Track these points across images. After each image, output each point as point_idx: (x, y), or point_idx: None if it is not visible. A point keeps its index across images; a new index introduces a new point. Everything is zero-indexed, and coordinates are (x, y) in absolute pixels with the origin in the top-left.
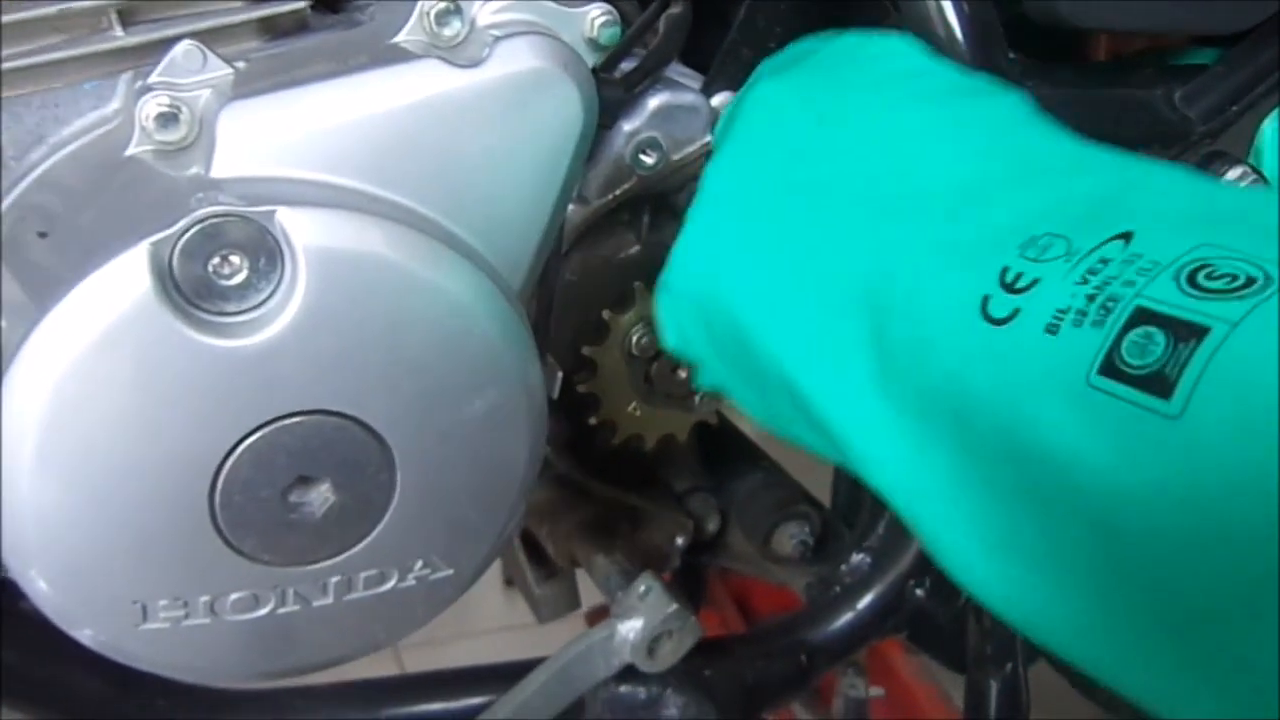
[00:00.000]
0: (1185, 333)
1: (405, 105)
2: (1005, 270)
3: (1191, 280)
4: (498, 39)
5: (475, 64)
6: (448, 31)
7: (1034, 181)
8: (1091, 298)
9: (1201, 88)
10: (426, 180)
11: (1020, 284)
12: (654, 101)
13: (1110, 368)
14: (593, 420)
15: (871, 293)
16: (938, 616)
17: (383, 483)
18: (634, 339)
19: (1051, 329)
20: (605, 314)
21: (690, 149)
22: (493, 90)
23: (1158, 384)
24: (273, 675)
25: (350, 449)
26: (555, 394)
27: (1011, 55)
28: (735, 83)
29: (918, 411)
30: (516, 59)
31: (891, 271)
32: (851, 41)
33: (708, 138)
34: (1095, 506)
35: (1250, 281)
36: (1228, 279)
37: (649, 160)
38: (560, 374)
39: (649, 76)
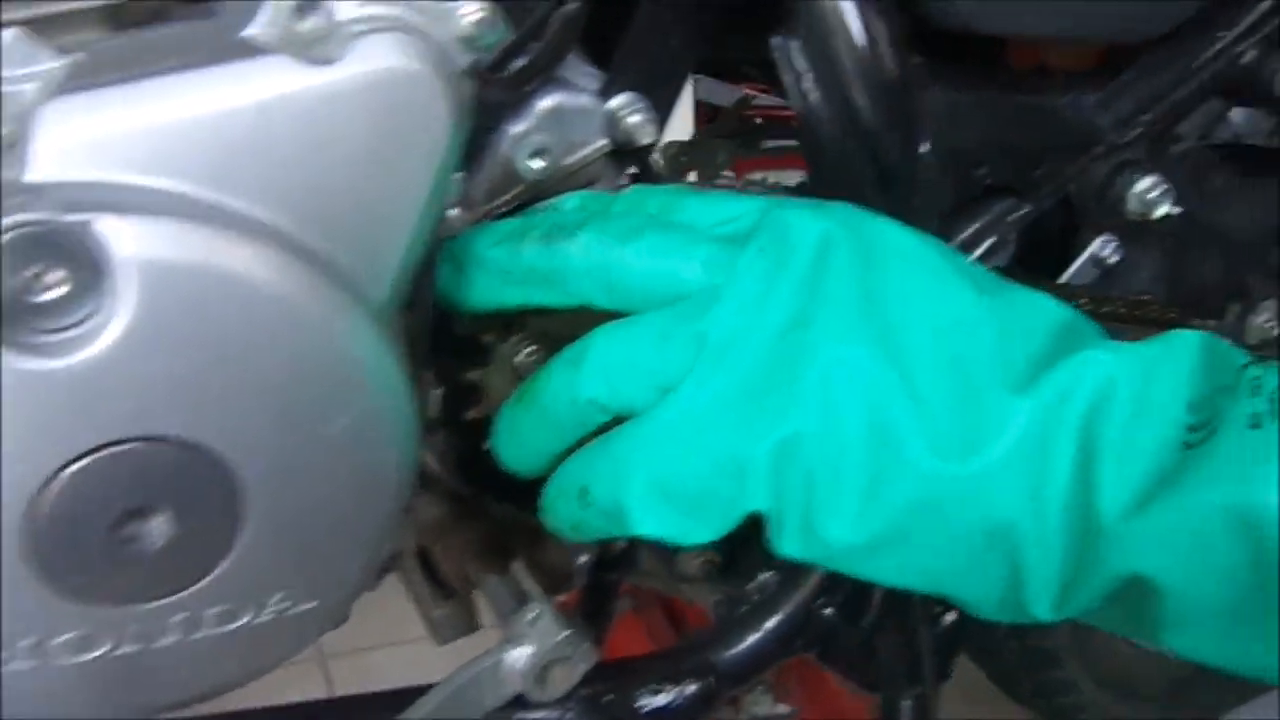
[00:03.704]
0: None
1: (248, 105)
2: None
3: None
4: (358, 35)
5: (330, 62)
6: (304, 26)
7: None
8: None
9: (1113, 95)
10: (273, 186)
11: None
12: (543, 103)
13: None
14: (483, 445)
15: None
16: (847, 636)
17: (228, 513)
18: (519, 360)
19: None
20: (488, 337)
21: (583, 153)
22: (347, 90)
23: None
24: (122, 716)
25: (190, 477)
26: (434, 412)
27: (917, 59)
28: (636, 83)
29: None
30: (375, 57)
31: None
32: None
33: (602, 141)
34: None
35: None
36: None
37: (538, 165)
38: (439, 391)
39: (538, 76)
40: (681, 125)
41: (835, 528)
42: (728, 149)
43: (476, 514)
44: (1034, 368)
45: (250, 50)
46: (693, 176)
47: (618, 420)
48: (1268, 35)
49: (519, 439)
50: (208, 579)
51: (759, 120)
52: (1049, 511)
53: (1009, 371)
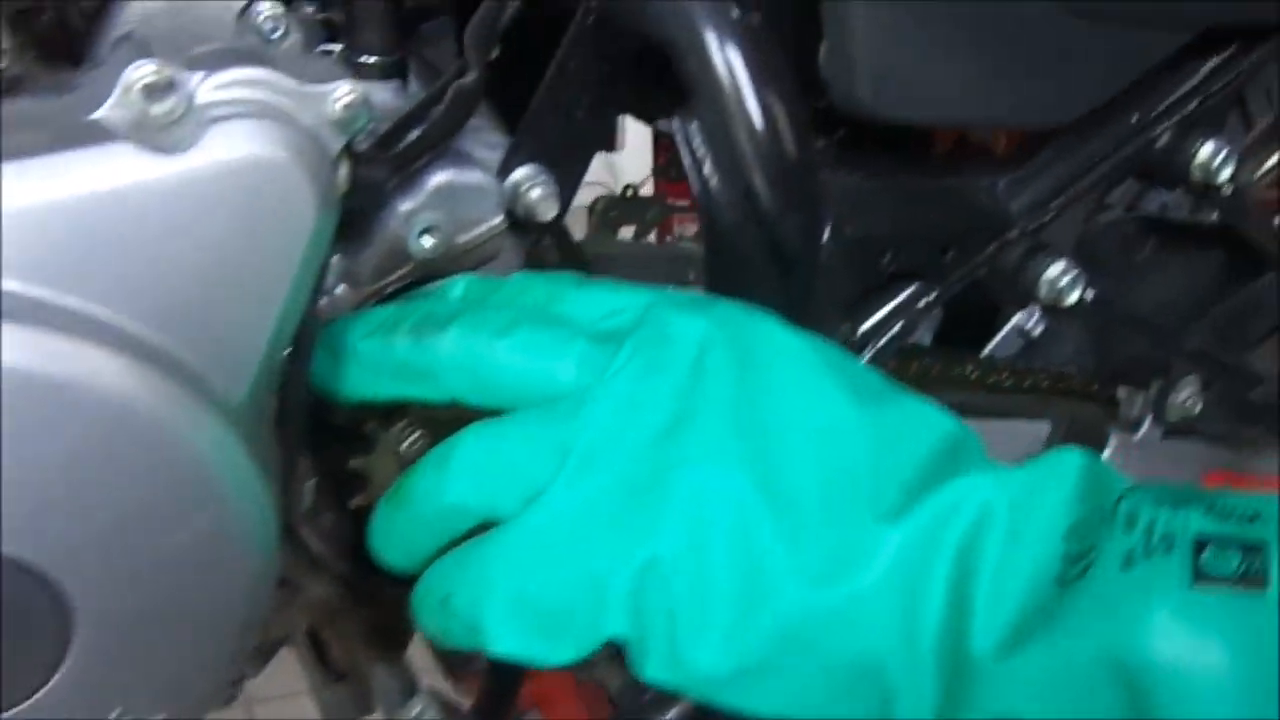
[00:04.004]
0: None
1: (87, 195)
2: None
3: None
4: (214, 121)
5: (180, 150)
6: (158, 109)
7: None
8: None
9: (1026, 178)
10: (113, 283)
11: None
12: (435, 180)
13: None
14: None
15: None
16: None
17: (55, 630)
18: (403, 448)
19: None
20: (370, 425)
21: (477, 231)
22: (197, 180)
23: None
24: None
25: (13, 594)
26: (306, 505)
27: (823, 142)
28: (538, 155)
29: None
30: (230, 145)
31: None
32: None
33: (497, 219)
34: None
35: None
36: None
37: (428, 244)
38: (311, 482)
39: (429, 151)
40: (640, 158)
41: (700, 657)
42: (659, 205)
43: (368, 598)
44: (910, 491)
45: (95, 135)
46: (626, 232)
47: (491, 524)
48: (1184, 118)
49: (392, 538)
50: (32, 700)
51: None
52: (920, 647)
53: (883, 495)
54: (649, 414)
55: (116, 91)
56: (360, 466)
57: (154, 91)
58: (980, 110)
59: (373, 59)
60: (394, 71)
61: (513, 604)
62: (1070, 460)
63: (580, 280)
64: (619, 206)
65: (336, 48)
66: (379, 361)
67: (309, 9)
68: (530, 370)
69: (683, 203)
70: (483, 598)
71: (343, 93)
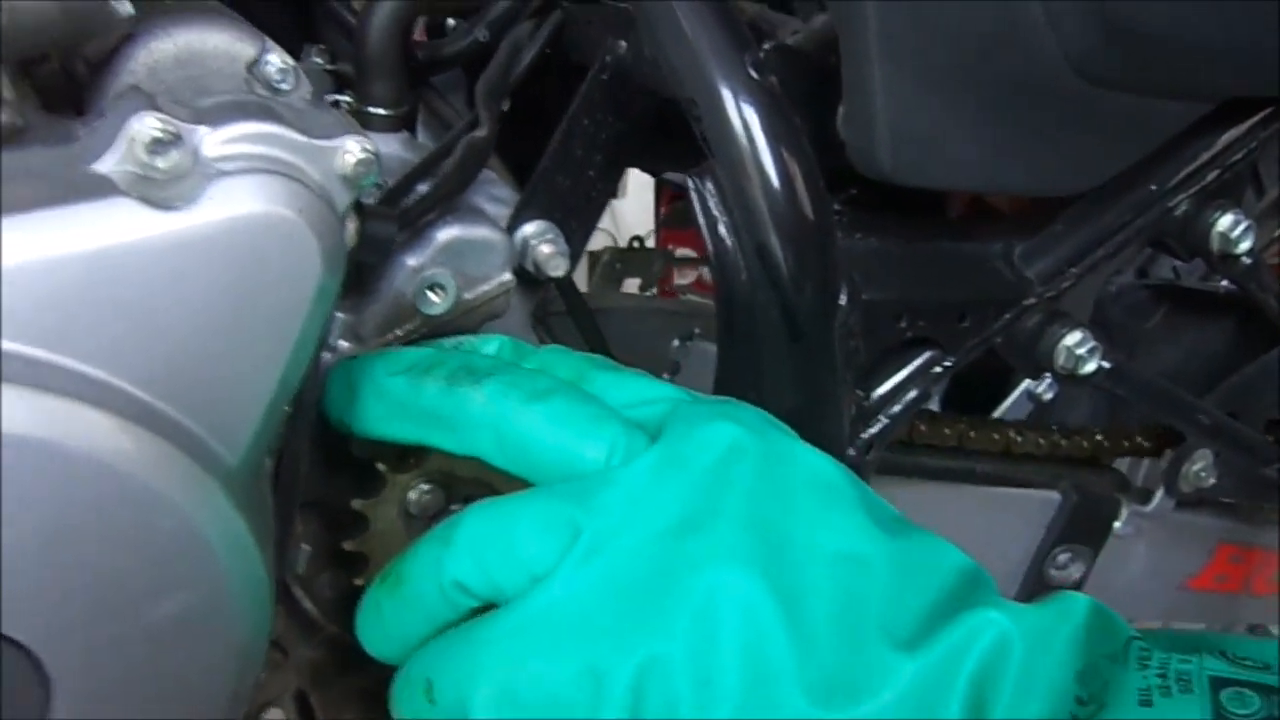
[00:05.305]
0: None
1: (83, 252)
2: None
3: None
4: (219, 176)
5: (182, 206)
6: (161, 162)
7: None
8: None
9: (1041, 247)
10: (108, 342)
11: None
12: (443, 236)
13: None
14: (359, 581)
15: None
16: None
17: (33, 702)
18: (412, 497)
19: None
20: (382, 467)
21: (485, 287)
22: (202, 238)
23: None
24: None
25: None
26: (301, 568)
27: (837, 206)
28: (548, 211)
29: None
30: (235, 201)
31: None
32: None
33: (505, 275)
34: None
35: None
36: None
37: (436, 299)
38: (307, 547)
39: (438, 206)
40: (640, 202)
41: None
42: (663, 257)
43: (358, 663)
44: (926, 622)
45: (95, 189)
46: (631, 284)
47: (490, 607)
48: (1202, 189)
49: (382, 621)
50: None
51: None
52: None
53: (900, 623)
54: (666, 508)
55: (119, 144)
56: (361, 508)
57: (158, 145)
58: (999, 177)
59: (383, 111)
60: (403, 123)
61: (502, 695)
62: (1078, 603)
63: (610, 364)
64: (624, 259)
65: (345, 98)
66: (405, 402)
67: (318, 60)
68: (559, 443)
69: (687, 252)
70: (470, 686)
71: (352, 148)
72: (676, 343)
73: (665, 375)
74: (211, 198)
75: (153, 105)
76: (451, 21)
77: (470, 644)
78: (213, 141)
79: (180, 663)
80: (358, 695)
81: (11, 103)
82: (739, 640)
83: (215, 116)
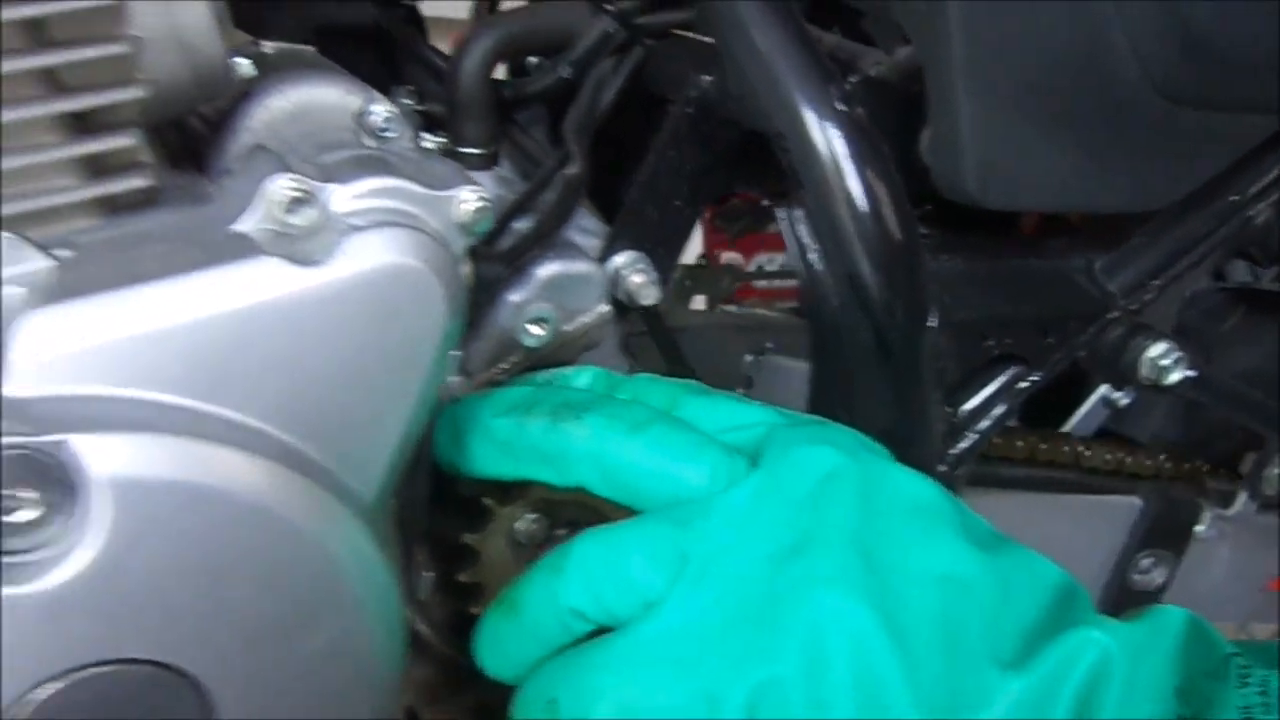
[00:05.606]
0: None
1: (237, 311)
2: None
3: None
4: (351, 231)
5: (321, 261)
6: (298, 220)
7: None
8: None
9: (1122, 260)
10: (260, 391)
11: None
12: (544, 272)
13: None
14: (474, 610)
15: None
16: None
17: None
18: (519, 526)
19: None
20: (488, 501)
21: (584, 319)
22: (340, 291)
23: None
24: None
25: (160, 698)
26: (423, 594)
27: (924, 230)
28: (638, 242)
29: None
30: (369, 256)
31: None
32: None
33: (603, 307)
34: None
35: None
36: None
37: (538, 333)
38: (430, 574)
39: (538, 245)
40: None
41: None
42: (732, 274)
43: (470, 680)
44: (1029, 641)
45: (241, 249)
46: (699, 302)
47: (603, 630)
48: None
49: (500, 646)
50: None
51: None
52: None
53: (1004, 643)
54: (770, 533)
55: (258, 204)
56: (472, 542)
57: (294, 204)
58: (1083, 196)
59: (475, 150)
60: (493, 160)
61: (622, 713)
62: (1174, 617)
63: (701, 388)
64: (693, 276)
65: (435, 139)
66: (511, 441)
67: (407, 101)
68: (662, 471)
69: (739, 263)
70: (591, 705)
71: (468, 198)
72: (749, 357)
73: (739, 390)
74: (346, 253)
75: (284, 165)
76: (532, 60)
77: (590, 667)
78: (341, 197)
79: (326, 688)
80: (467, 712)
81: (152, 166)
82: (849, 663)
83: (342, 173)
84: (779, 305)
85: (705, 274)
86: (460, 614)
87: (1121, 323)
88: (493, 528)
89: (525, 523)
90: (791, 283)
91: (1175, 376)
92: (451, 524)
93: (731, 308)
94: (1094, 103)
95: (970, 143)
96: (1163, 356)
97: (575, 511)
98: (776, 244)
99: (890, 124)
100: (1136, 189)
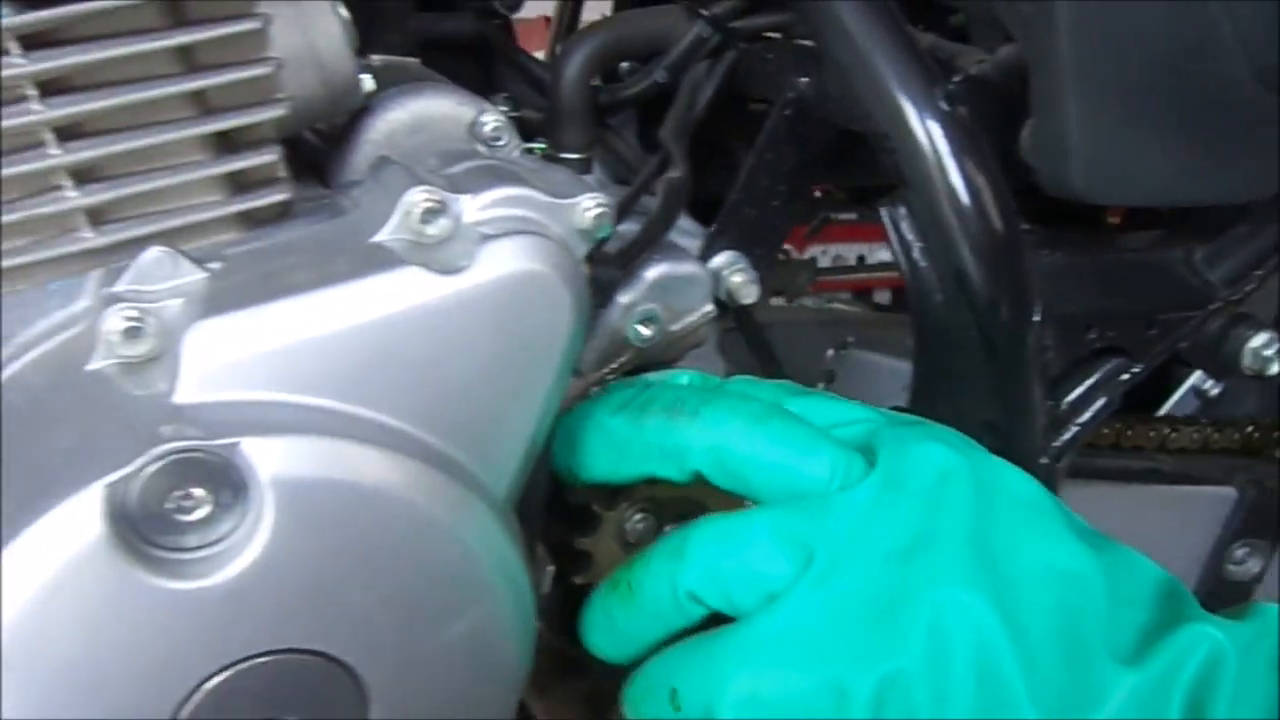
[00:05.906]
0: None
1: (384, 318)
2: None
3: None
4: (484, 239)
5: (459, 269)
6: (432, 230)
7: None
8: None
9: (1223, 250)
10: (405, 394)
11: None
12: (652, 273)
13: None
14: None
15: None
16: None
17: (355, 711)
18: (628, 527)
19: None
20: (595, 506)
21: (690, 319)
22: (477, 298)
23: None
24: None
25: (319, 685)
26: (545, 588)
27: (1026, 226)
28: (736, 242)
29: None
30: (502, 263)
31: None
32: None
33: (708, 307)
34: None
35: None
36: None
37: (647, 333)
38: (551, 568)
39: (647, 248)
40: None
41: None
42: (809, 269)
43: (579, 669)
44: (1142, 636)
45: (382, 260)
46: (778, 299)
47: (716, 615)
48: None
49: (613, 625)
50: None
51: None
52: None
53: (1119, 637)
54: (892, 530)
55: (396, 216)
56: (585, 546)
57: (430, 214)
58: (1187, 190)
59: (575, 156)
60: (589, 166)
61: (749, 702)
62: (1276, 615)
63: (800, 389)
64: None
65: (531, 145)
66: (628, 438)
67: (503, 109)
68: (783, 463)
69: (814, 258)
70: (717, 694)
71: (589, 204)
72: (831, 352)
73: (821, 385)
74: (483, 260)
75: (414, 176)
76: (624, 64)
77: (715, 655)
78: (472, 207)
79: (469, 675)
80: (577, 698)
81: (289, 180)
82: (971, 657)
83: (471, 183)
84: (840, 298)
85: (783, 270)
86: (570, 608)
87: (1223, 313)
88: (601, 532)
89: (634, 523)
90: (853, 276)
91: (1278, 367)
92: (563, 530)
93: (808, 301)
94: (1200, 98)
95: (1077, 141)
96: (1265, 347)
97: (683, 508)
98: (829, 237)
99: (991, 122)
100: (1241, 181)
